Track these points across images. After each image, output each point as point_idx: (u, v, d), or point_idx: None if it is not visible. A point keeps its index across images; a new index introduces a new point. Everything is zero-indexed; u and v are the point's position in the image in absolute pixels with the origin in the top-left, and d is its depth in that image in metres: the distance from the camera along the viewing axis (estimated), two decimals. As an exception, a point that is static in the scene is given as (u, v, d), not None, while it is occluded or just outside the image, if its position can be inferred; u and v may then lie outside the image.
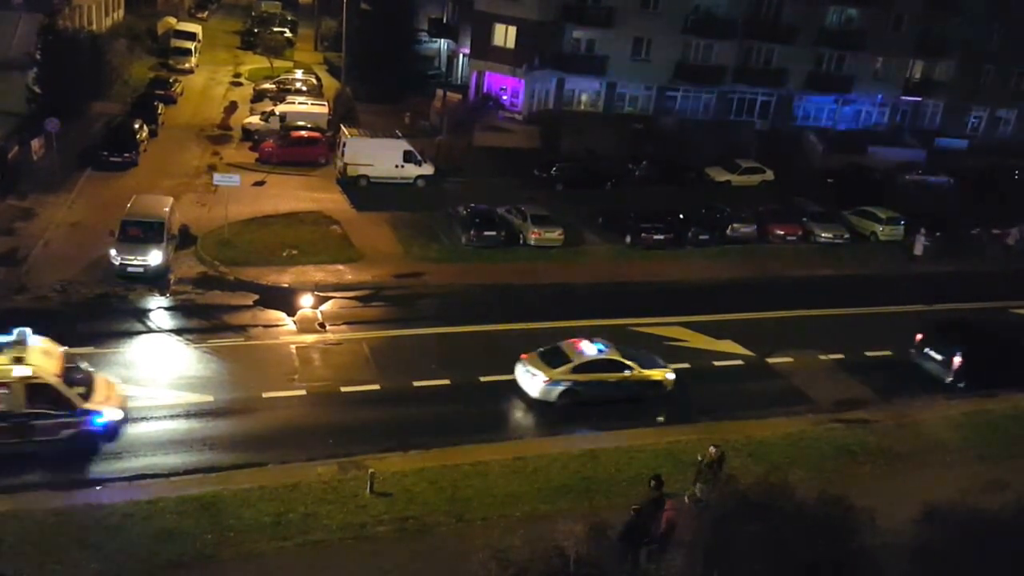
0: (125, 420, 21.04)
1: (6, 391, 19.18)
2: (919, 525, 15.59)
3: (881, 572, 14.87)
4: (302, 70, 61.32)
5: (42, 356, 20.03)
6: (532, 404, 24.51)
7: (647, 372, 25.15)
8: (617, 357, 24.91)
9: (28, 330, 20.25)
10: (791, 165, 50.86)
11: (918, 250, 40.81)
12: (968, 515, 15.25)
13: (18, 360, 19.34)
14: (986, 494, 15.98)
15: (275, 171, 41.82)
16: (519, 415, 24.41)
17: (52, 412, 19.62)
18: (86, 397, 20.29)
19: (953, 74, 60.47)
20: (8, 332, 20.19)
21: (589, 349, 24.86)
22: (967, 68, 59.94)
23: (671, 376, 25.61)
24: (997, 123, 63.46)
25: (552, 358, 24.68)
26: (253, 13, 79.53)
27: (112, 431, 20.50)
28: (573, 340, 25.34)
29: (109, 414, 20.43)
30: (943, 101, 61.17)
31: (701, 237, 39.05)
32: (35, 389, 19.42)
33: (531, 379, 24.42)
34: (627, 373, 24.76)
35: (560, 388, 24.16)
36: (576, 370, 24.30)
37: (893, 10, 56.84)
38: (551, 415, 24.21)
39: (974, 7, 57.10)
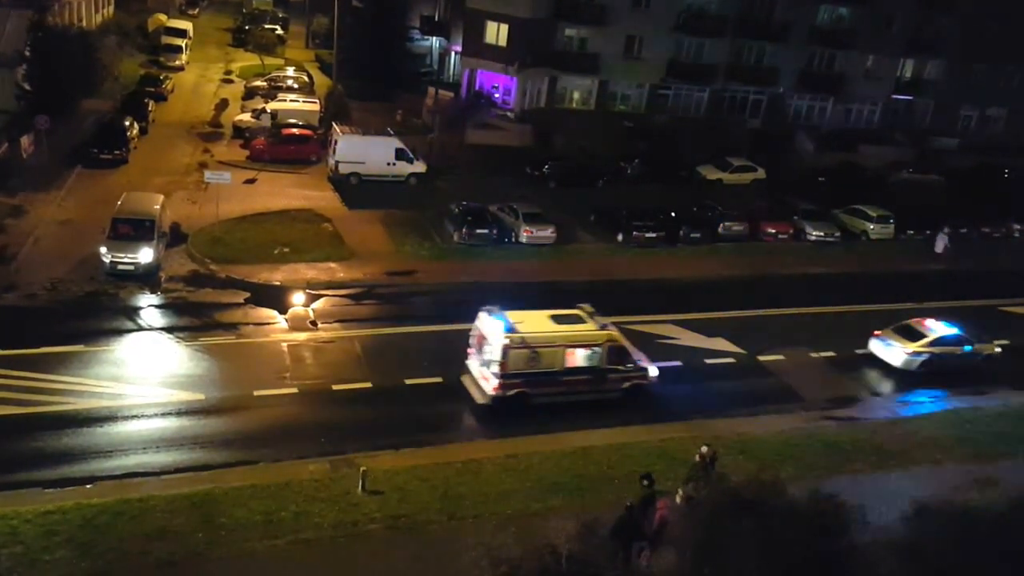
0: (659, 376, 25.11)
1: (597, 350, 23.97)
2: (909, 522, 15.65)
3: (871, 569, 14.92)
4: (293, 67, 61.27)
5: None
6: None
7: (985, 346, 29.44)
8: (962, 333, 29.02)
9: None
10: (782, 163, 50.99)
11: (939, 248, 41.00)
12: (958, 512, 15.31)
13: (604, 327, 24.30)
14: (976, 491, 16.03)
15: (266, 169, 41.72)
16: (512, 413, 24.34)
17: (621, 368, 24.48)
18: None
19: (943, 73, 60.74)
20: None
21: (938, 326, 29.09)
22: (957, 67, 60.22)
23: (998, 349, 29.75)
24: (987, 122, 63.78)
25: (906, 334, 28.98)
26: (244, 10, 79.39)
27: (653, 384, 25.01)
28: (919, 319, 29.77)
29: (653, 370, 24.96)
30: (933, 100, 61.44)
31: (692, 235, 39.17)
32: (613, 349, 24.25)
33: (892, 351, 28.75)
34: (972, 347, 29.00)
35: (921, 359, 28.45)
36: (933, 344, 28.60)
37: (884, 9, 57.07)
38: (547, 414, 24.22)
39: (964, 6, 57.36)
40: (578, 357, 23.93)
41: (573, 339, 23.89)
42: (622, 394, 24.70)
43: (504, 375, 23.08)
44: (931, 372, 28.48)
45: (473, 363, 24.62)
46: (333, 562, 17.50)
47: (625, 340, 24.78)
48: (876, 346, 29.48)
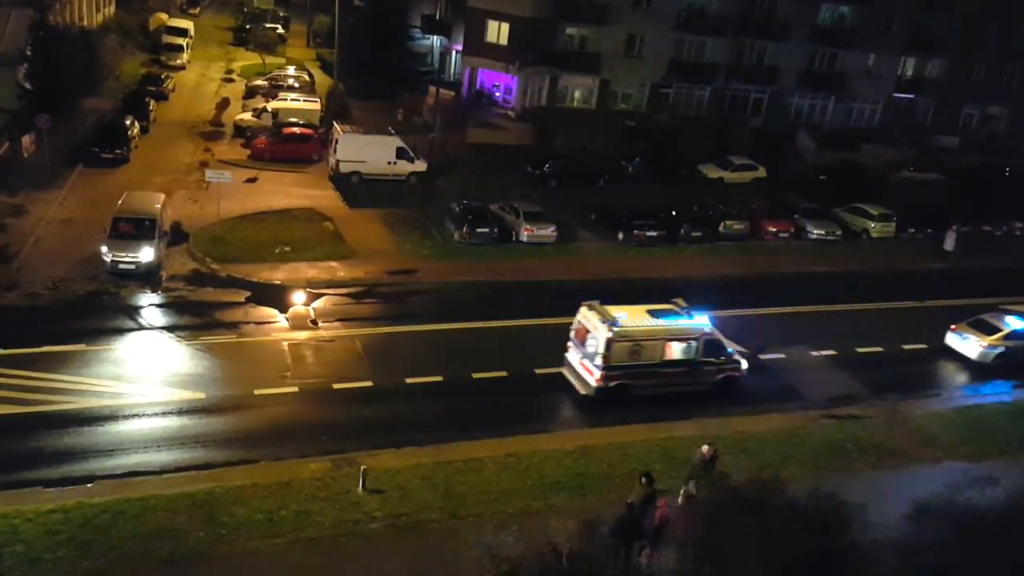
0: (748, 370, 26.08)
1: (693, 343, 24.98)
2: (910, 521, 15.64)
3: (872, 568, 14.91)
4: (294, 66, 61.20)
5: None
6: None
7: None
8: None
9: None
10: (783, 162, 50.96)
11: (949, 245, 40.94)
12: (958, 511, 15.29)
13: (700, 321, 25.36)
14: (976, 490, 16.03)
15: (267, 168, 41.73)
16: (512, 412, 24.36)
17: (715, 360, 25.36)
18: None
19: (945, 72, 60.68)
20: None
21: (1013, 320, 29.99)
22: (958, 66, 60.18)
23: None
24: (989, 120, 63.71)
25: (982, 328, 29.98)
26: (245, 9, 79.31)
27: (744, 377, 26.01)
28: (993, 313, 30.66)
29: (744, 363, 25.93)
30: (935, 99, 61.39)
31: (693, 234, 39.15)
32: (709, 342, 25.16)
33: (969, 344, 29.79)
34: None
35: (997, 351, 29.43)
36: (1008, 337, 29.57)
37: (885, 8, 57.00)
38: (544, 414, 24.21)
39: (965, 5, 57.30)
40: (676, 350, 24.95)
41: (671, 333, 24.93)
42: (715, 386, 25.65)
43: (607, 367, 24.03)
44: (1006, 365, 29.37)
45: (573, 356, 25.47)
46: (334, 561, 17.52)
47: (719, 334, 25.69)
48: (953, 340, 30.63)
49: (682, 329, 25.04)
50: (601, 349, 23.96)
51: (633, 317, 24.57)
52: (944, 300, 34.21)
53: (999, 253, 41.93)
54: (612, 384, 24.25)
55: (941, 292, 35.40)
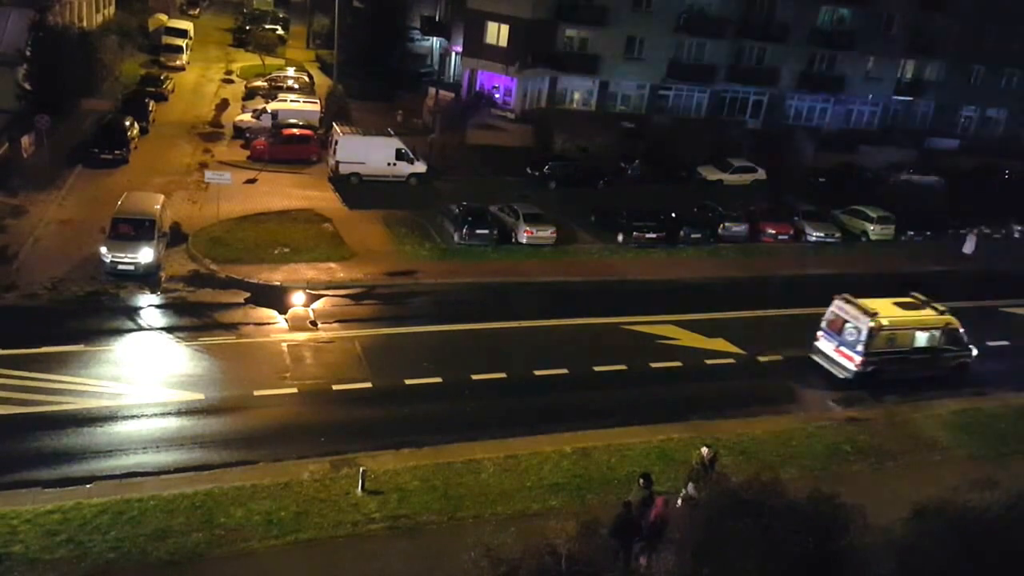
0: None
1: (936, 332, 27.72)
2: (909, 523, 15.64)
3: (871, 570, 14.92)
4: (294, 68, 61.30)
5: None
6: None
7: None
8: None
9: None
10: (783, 164, 50.98)
11: (968, 248, 40.84)
12: (957, 513, 15.30)
13: (942, 312, 27.98)
14: (975, 492, 16.04)
15: (267, 169, 41.73)
16: (511, 414, 24.36)
17: (952, 348, 28.11)
18: None
19: (944, 74, 60.76)
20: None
21: None
22: (957, 68, 60.25)
23: None
24: (987, 122, 63.80)
25: None
26: (245, 10, 79.43)
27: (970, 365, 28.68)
28: None
29: (974, 351, 28.50)
30: (934, 101, 61.46)
31: (693, 236, 39.17)
32: (950, 332, 27.96)
33: None
34: None
35: None
36: None
37: (884, 10, 57.08)
38: (539, 414, 24.20)
39: (964, 7, 57.37)
40: (922, 339, 27.76)
41: (920, 323, 27.82)
42: (952, 371, 28.25)
43: (867, 354, 26.98)
44: None
45: (826, 344, 28.31)
46: (333, 562, 17.51)
47: (959, 323, 28.06)
48: None
49: (931, 320, 27.90)
50: (863, 338, 26.94)
51: (886, 310, 27.57)
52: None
53: (1022, 256, 41.73)
54: (869, 369, 27.18)
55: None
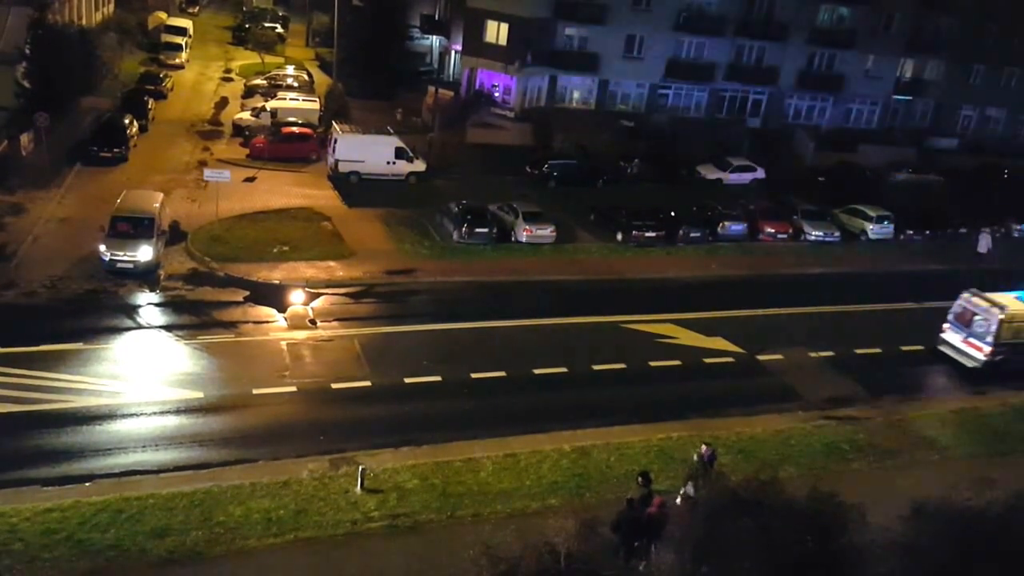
0: None
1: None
2: (907, 522, 15.65)
3: (870, 568, 14.92)
4: (293, 66, 61.16)
5: None
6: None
7: None
8: None
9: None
10: (782, 163, 50.98)
11: (982, 248, 40.85)
12: (956, 512, 15.31)
13: None
14: (974, 491, 16.05)
15: (266, 167, 41.71)
16: (511, 413, 24.37)
17: None
18: None
19: (943, 73, 60.74)
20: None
21: None
22: (957, 67, 60.22)
23: None
24: (987, 122, 63.78)
25: None
26: (244, 8, 79.25)
27: None
28: None
29: None
30: (933, 100, 61.44)
31: (692, 235, 39.16)
32: None
33: None
34: None
35: None
36: None
37: (884, 9, 57.03)
38: (538, 413, 24.20)
39: (964, 6, 57.35)
40: None
41: None
42: None
43: (996, 344, 28.59)
44: None
45: (954, 335, 29.91)
46: (332, 561, 17.51)
47: None
48: None
49: None
50: (993, 329, 28.52)
51: (1013, 304, 29.01)
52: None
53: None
54: (998, 358, 28.65)
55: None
